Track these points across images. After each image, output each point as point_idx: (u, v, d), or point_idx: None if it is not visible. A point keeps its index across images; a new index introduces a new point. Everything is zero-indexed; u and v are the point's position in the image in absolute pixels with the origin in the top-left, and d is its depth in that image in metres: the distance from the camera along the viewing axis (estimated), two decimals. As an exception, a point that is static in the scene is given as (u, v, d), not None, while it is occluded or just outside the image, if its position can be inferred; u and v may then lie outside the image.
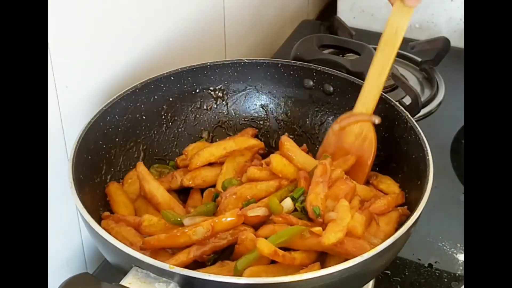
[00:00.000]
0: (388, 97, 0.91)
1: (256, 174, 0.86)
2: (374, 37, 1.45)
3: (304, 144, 0.97)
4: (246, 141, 0.94)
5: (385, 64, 0.89)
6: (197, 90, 0.99)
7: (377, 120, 0.88)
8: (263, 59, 1.00)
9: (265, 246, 0.70)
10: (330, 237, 0.72)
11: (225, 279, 0.64)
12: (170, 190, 0.88)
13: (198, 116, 1.00)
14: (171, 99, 0.96)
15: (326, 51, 1.16)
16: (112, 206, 0.85)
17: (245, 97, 1.02)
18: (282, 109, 1.02)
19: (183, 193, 0.90)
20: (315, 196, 0.78)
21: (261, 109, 1.02)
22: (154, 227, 0.77)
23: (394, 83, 1.25)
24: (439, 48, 1.31)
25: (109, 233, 0.75)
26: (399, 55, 1.37)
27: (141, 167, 0.87)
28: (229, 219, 0.76)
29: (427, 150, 0.81)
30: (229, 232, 0.76)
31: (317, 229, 0.73)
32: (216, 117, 1.01)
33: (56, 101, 0.82)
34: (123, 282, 0.64)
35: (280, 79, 1.00)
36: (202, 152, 0.90)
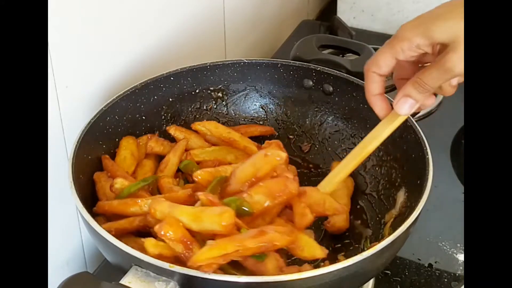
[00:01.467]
0: (388, 97, 0.91)
1: None
2: (374, 37, 1.46)
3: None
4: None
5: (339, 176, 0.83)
6: (197, 91, 0.99)
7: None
8: (263, 59, 1.00)
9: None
10: None
11: (225, 278, 0.64)
12: None
13: (198, 116, 1.00)
14: (171, 99, 0.96)
15: (326, 51, 1.16)
16: (116, 156, 0.87)
17: (245, 98, 1.02)
18: (281, 109, 1.02)
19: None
20: None
21: (261, 109, 1.02)
22: (122, 192, 0.79)
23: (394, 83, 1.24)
24: (439, 48, 1.31)
25: (96, 185, 0.80)
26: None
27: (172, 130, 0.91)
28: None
29: (427, 150, 0.81)
30: None
31: None
32: (216, 118, 1.01)
33: (56, 101, 0.82)
34: (123, 281, 0.64)
35: (280, 79, 1.00)
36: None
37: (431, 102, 0.75)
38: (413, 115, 0.88)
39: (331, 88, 0.98)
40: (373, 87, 0.77)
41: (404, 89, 0.74)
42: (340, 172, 0.83)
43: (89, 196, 0.81)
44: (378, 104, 0.79)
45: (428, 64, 0.73)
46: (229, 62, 0.99)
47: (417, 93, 0.73)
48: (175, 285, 0.64)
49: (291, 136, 1.02)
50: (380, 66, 0.75)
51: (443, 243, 0.95)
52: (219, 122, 1.01)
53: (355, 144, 0.96)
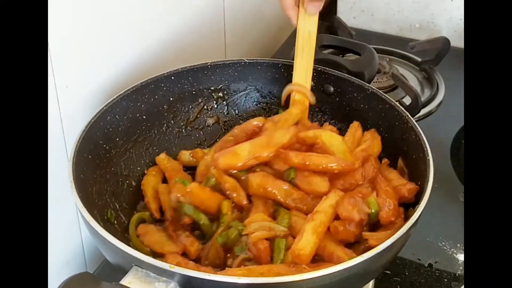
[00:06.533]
0: (388, 97, 0.91)
1: None
2: (374, 37, 1.46)
3: None
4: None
5: (308, 65, 0.95)
6: (198, 90, 0.99)
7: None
8: (263, 59, 1.00)
9: None
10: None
11: (225, 278, 0.64)
12: None
13: (198, 116, 1.00)
14: (171, 99, 0.96)
15: (326, 51, 1.16)
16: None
17: (246, 97, 1.02)
18: (282, 109, 1.02)
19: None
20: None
21: (261, 109, 1.02)
22: None
23: (394, 83, 1.25)
24: (439, 48, 1.31)
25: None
26: (399, 55, 1.38)
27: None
28: None
29: (427, 150, 0.81)
30: None
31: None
32: (217, 117, 1.01)
33: (56, 101, 0.82)
34: (123, 282, 0.64)
35: (280, 79, 1.00)
36: None
37: None
38: (413, 115, 0.88)
39: (332, 89, 0.98)
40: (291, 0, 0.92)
41: None
42: (307, 69, 0.95)
43: (89, 196, 0.81)
44: (294, 15, 0.94)
45: None
46: (230, 62, 0.99)
47: None
48: (175, 286, 0.64)
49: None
50: None
51: (443, 243, 0.95)
52: (219, 121, 1.01)
53: (355, 144, 0.97)
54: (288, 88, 0.97)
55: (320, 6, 0.93)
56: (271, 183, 0.83)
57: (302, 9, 0.93)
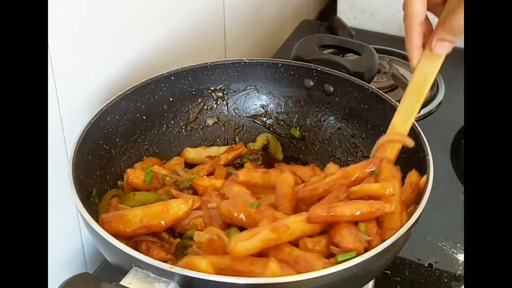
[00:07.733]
0: (388, 97, 0.91)
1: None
2: (374, 37, 1.46)
3: None
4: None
5: (412, 109, 0.83)
6: (198, 90, 0.99)
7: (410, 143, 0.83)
8: (263, 59, 1.00)
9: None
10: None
11: (225, 279, 0.64)
12: None
13: (198, 116, 1.00)
14: (171, 99, 0.96)
15: (326, 51, 1.16)
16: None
17: (246, 97, 1.02)
18: (282, 109, 1.02)
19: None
20: None
21: (261, 109, 1.02)
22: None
23: (394, 83, 1.25)
24: (439, 48, 1.31)
25: None
26: (399, 55, 1.38)
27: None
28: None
29: (427, 150, 0.81)
30: None
31: None
32: (217, 117, 1.01)
33: (56, 101, 0.82)
34: (123, 282, 0.64)
35: (280, 79, 1.00)
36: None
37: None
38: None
39: (331, 88, 0.98)
40: (418, 40, 0.80)
41: (439, 33, 0.78)
42: (411, 113, 0.83)
43: (89, 196, 0.81)
44: (418, 57, 0.81)
45: None
46: (230, 62, 0.99)
47: (451, 36, 0.78)
48: (175, 286, 0.64)
49: (291, 137, 1.02)
50: (417, 14, 0.78)
51: (443, 243, 0.95)
52: (219, 121, 1.01)
53: (355, 144, 0.97)
54: (383, 140, 0.84)
55: (450, 47, 0.80)
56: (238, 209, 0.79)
57: (428, 49, 0.80)
